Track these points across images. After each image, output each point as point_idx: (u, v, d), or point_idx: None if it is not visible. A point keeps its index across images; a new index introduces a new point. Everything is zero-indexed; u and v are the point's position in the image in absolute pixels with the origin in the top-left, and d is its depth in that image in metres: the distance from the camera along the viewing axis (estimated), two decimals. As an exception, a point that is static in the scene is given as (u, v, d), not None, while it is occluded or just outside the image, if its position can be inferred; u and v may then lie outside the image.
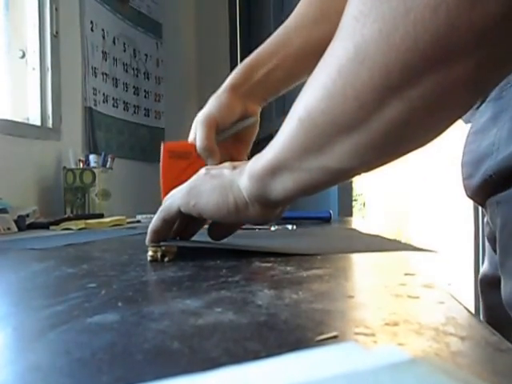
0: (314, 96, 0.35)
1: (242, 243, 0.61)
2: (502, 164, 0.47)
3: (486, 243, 0.59)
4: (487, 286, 0.59)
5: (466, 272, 2.24)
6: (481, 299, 0.61)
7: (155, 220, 0.52)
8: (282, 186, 0.43)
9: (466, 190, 0.55)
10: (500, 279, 0.50)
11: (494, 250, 0.53)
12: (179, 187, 0.52)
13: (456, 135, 0.54)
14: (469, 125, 0.56)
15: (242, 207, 0.47)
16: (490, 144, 0.49)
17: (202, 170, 0.52)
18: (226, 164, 0.51)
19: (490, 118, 0.51)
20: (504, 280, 0.49)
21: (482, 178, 0.50)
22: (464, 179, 0.55)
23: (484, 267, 0.60)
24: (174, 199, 0.51)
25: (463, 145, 0.56)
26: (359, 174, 0.39)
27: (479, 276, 0.61)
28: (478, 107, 0.54)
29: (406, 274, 0.39)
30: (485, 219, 0.57)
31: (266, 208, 0.47)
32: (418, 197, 3.33)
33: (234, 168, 0.49)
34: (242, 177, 0.47)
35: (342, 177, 0.40)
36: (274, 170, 0.42)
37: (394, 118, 0.31)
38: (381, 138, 0.33)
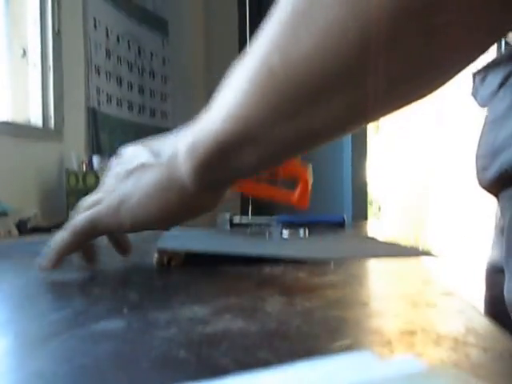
0: (295, 34, 0.27)
1: (252, 250, 0.60)
2: None
3: (493, 233, 0.57)
4: (495, 275, 0.56)
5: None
6: (485, 290, 0.59)
7: (65, 243, 0.41)
8: (241, 165, 0.33)
9: (479, 183, 0.53)
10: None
11: None
12: (95, 198, 0.41)
13: (476, 131, 0.52)
14: (485, 114, 0.53)
15: (191, 201, 0.38)
16: (507, 136, 0.47)
17: (122, 167, 0.40)
18: (144, 151, 0.40)
19: (509, 106, 0.48)
20: (508, 277, 0.47)
21: (498, 171, 0.47)
22: (477, 172, 0.52)
23: (492, 256, 0.57)
24: (97, 218, 0.40)
25: (479, 135, 0.53)
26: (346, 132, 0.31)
27: (486, 265, 0.58)
28: (496, 92, 0.51)
29: (423, 281, 0.39)
30: (495, 210, 0.55)
31: (217, 191, 0.39)
32: (436, 200, 3.29)
33: (157, 154, 0.39)
34: (179, 166, 0.36)
35: (324, 138, 0.31)
36: (230, 148, 0.32)
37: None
38: (395, 80, 0.26)
